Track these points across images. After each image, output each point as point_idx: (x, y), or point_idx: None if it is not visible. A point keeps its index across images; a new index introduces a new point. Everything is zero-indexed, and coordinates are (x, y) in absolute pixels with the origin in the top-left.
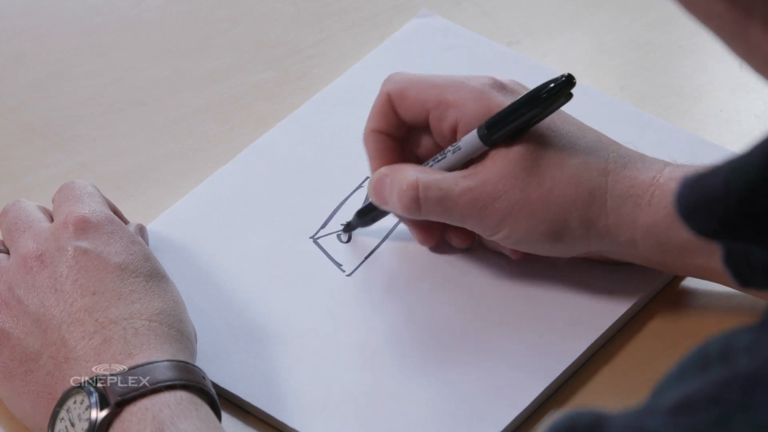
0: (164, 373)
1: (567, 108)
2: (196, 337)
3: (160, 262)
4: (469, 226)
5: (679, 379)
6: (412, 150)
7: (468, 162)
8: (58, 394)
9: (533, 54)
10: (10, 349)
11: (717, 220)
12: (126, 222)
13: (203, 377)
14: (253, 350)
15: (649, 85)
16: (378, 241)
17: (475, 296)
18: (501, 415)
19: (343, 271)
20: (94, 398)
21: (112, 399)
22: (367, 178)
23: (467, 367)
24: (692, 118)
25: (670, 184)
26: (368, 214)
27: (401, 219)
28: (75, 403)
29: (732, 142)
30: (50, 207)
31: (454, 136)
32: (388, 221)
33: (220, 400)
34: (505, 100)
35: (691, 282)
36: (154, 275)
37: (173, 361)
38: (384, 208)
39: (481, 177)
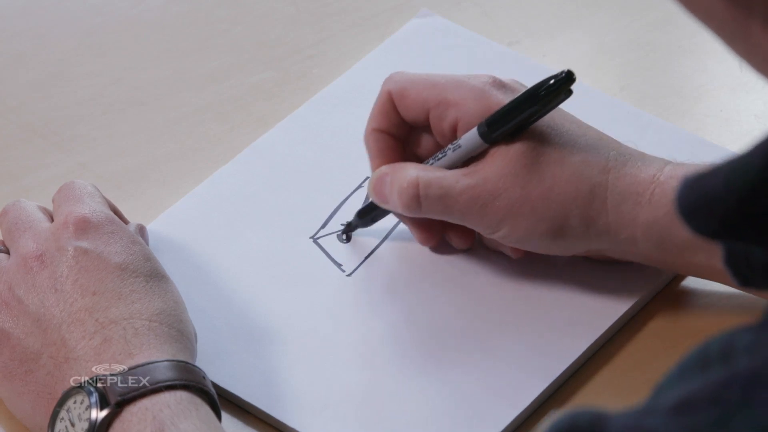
0: (164, 373)
1: (568, 107)
2: (196, 337)
3: (160, 262)
4: (469, 224)
5: (680, 378)
6: (412, 149)
7: (468, 160)
8: (58, 394)
9: (533, 54)
10: (10, 349)
11: (717, 220)
12: (126, 222)
13: (203, 377)
14: (253, 350)
15: (649, 85)
16: (378, 241)
17: (475, 296)
18: (501, 415)
19: (343, 271)
20: (94, 398)
21: (112, 399)
22: (367, 178)
23: (467, 367)
24: (692, 118)
25: (670, 182)
26: (368, 213)
27: (401, 219)
28: (75, 403)
29: (732, 142)
30: (50, 207)
31: (454, 135)
32: (388, 221)
33: (220, 400)
34: (505, 99)
35: (691, 282)
36: (154, 275)
37: (173, 361)
38: (384, 207)
39: (481, 175)
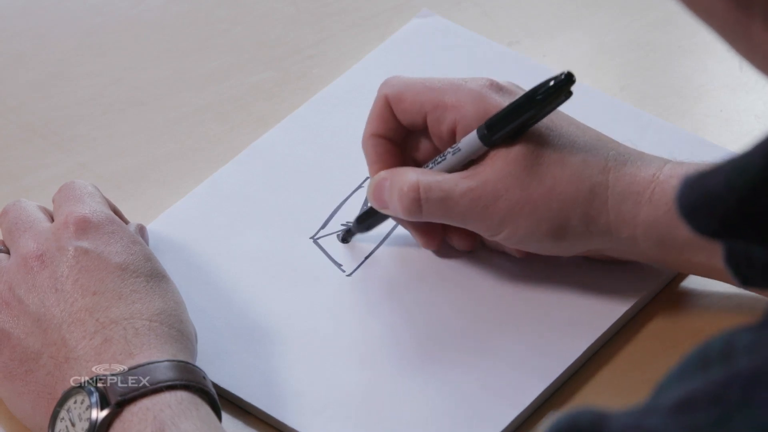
0: (165, 373)
1: (568, 107)
2: (196, 337)
3: (160, 262)
4: (470, 227)
5: (680, 378)
6: (410, 154)
7: (468, 164)
8: (59, 394)
9: (533, 54)
10: (10, 349)
11: (718, 219)
12: (126, 222)
13: (204, 377)
14: (253, 350)
15: (649, 85)
16: (378, 241)
17: (475, 296)
18: (501, 415)
19: (343, 271)
20: (95, 398)
21: (113, 399)
22: (368, 178)
23: (467, 367)
24: (692, 118)
25: (670, 181)
26: (367, 219)
27: (401, 223)
28: (75, 403)
29: (732, 142)
30: (50, 207)
31: (452, 139)
32: (388, 221)
33: (221, 400)
34: (503, 101)
35: (690, 282)
36: (154, 275)
37: (174, 361)
38: (384, 211)
39: (481, 177)
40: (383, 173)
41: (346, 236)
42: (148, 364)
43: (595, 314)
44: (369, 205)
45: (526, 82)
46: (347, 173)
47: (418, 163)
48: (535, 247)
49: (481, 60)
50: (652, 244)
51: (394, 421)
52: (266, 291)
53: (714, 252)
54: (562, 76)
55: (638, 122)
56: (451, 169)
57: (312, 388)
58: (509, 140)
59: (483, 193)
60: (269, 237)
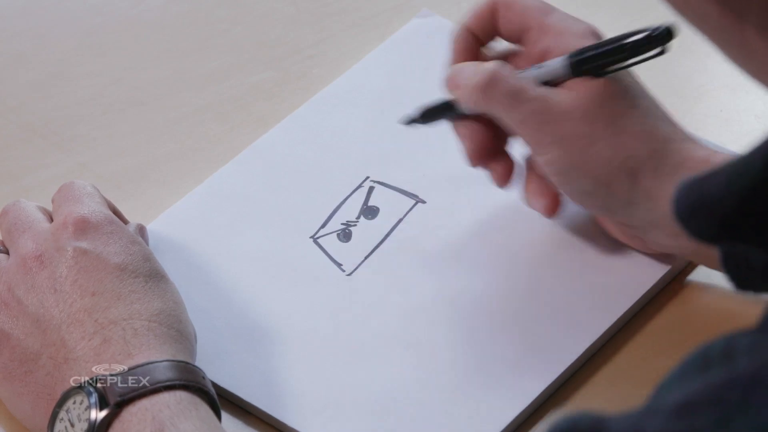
0: (164, 373)
1: None
2: (196, 338)
3: (160, 262)
4: (523, 135)
5: (680, 380)
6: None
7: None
8: (58, 395)
9: None
10: (9, 350)
11: (717, 222)
12: (126, 222)
13: (203, 377)
14: (253, 350)
15: (649, 85)
16: (378, 241)
17: (475, 296)
18: (501, 415)
19: (343, 271)
20: (94, 398)
21: (112, 399)
22: (368, 177)
23: (467, 367)
24: (692, 118)
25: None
26: (433, 113)
27: (459, 129)
28: (74, 403)
29: (732, 142)
30: (50, 207)
31: (542, 61)
32: (388, 222)
33: (220, 400)
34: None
35: (691, 282)
36: (153, 275)
37: (173, 361)
38: (454, 93)
39: (555, 95)
40: (465, 63)
41: (407, 121)
42: (148, 364)
43: (595, 314)
44: (440, 100)
45: None
46: (347, 173)
47: None
48: (572, 187)
49: None
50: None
51: (394, 421)
52: (266, 291)
53: None
54: (661, 29)
55: None
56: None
57: (312, 388)
58: (593, 77)
59: (551, 107)
60: (269, 237)
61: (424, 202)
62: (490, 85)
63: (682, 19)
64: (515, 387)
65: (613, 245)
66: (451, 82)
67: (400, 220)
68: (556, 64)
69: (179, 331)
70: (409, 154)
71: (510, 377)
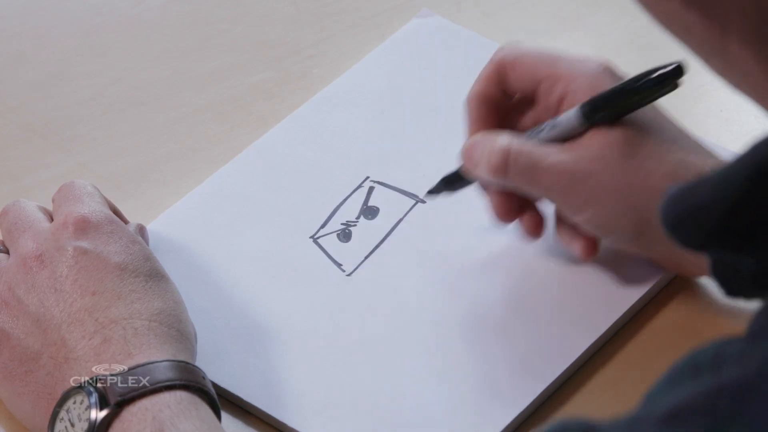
0: (164, 373)
1: None
2: (196, 337)
3: (160, 262)
4: (553, 200)
5: (670, 387)
6: (510, 122)
7: (563, 141)
8: (58, 395)
9: None
10: (10, 350)
11: (704, 231)
12: (126, 222)
13: (203, 377)
14: (253, 350)
15: None
16: (378, 241)
17: (474, 296)
18: (501, 415)
19: (343, 271)
20: (94, 398)
21: (112, 399)
22: (368, 177)
23: (467, 367)
24: (692, 118)
25: None
26: (454, 181)
27: (484, 191)
28: (75, 403)
29: (732, 142)
30: (50, 207)
31: (559, 111)
32: (388, 222)
33: (220, 400)
34: (613, 85)
35: (690, 283)
36: (153, 275)
37: (173, 361)
38: (472, 171)
39: (576, 153)
40: (479, 135)
41: (430, 192)
42: (148, 364)
43: (595, 314)
44: (458, 167)
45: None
46: (347, 173)
47: (516, 133)
48: (614, 238)
49: (482, 60)
50: None
51: (394, 421)
52: (266, 291)
53: None
54: (671, 67)
55: None
56: (547, 142)
57: (312, 388)
58: (610, 123)
59: (574, 168)
60: (269, 237)
61: (424, 202)
62: (505, 165)
63: (665, 31)
64: (515, 387)
65: (612, 246)
66: (467, 160)
67: (400, 220)
68: (569, 119)
69: (179, 330)
70: (409, 154)
71: (510, 377)
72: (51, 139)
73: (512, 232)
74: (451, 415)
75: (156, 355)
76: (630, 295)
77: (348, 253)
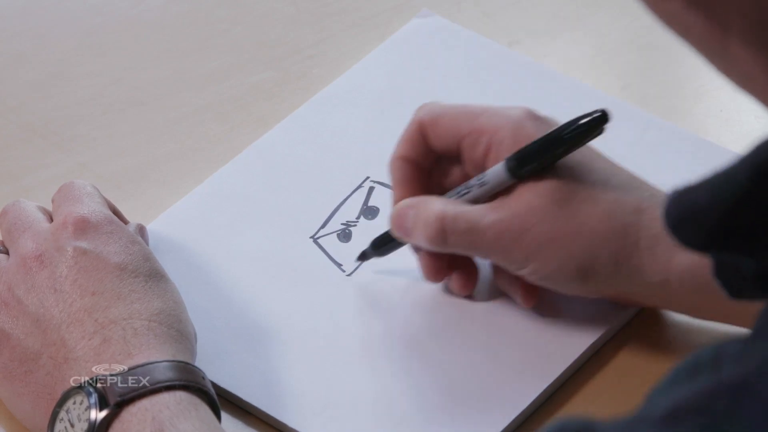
0: (164, 373)
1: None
2: (196, 338)
3: (160, 262)
4: (495, 260)
5: (671, 388)
6: (437, 180)
7: (494, 195)
8: (58, 395)
9: (533, 54)
10: (9, 350)
11: (705, 232)
12: (126, 222)
13: (203, 377)
14: (253, 350)
15: (649, 85)
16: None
17: (475, 296)
18: (501, 415)
19: (343, 271)
20: (94, 399)
21: (112, 399)
22: (368, 177)
23: (467, 367)
24: (692, 118)
25: None
26: (384, 244)
27: (415, 252)
28: (74, 403)
29: (732, 142)
30: (50, 207)
31: (485, 165)
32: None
33: (220, 400)
34: (538, 132)
35: None
36: (153, 275)
37: (173, 361)
38: (404, 240)
39: (509, 210)
40: (407, 201)
41: (360, 258)
42: (148, 364)
43: (595, 315)
44: (387, 230)
45: (527, 82)
46: (347, 173)
47: (445, 190)
48: (562, 286)
49: (481, 60)
50: (688, 290)
51: (394, 421)
52: (266, 291)
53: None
54: (596, 115)
55: (639, 122)
56: (477, 201)
57: (312, 388)
58: (539, 173)
59: (510, 225)
60: (269, 237)
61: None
62: (443, 234)
63: (666, 29)
64: (515, 387)
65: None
66: (398, 228)
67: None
68: (497, 175)
69: (179, 330)
70: None
71: (510, 377)
72: (51, 139)
73: None
74: (451, 415)
75: (156, 355)
76: None
77: (348, 253)
